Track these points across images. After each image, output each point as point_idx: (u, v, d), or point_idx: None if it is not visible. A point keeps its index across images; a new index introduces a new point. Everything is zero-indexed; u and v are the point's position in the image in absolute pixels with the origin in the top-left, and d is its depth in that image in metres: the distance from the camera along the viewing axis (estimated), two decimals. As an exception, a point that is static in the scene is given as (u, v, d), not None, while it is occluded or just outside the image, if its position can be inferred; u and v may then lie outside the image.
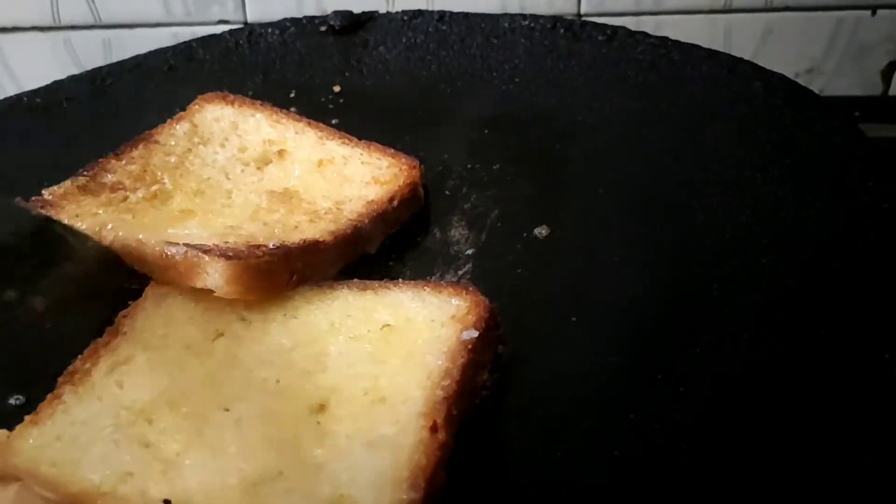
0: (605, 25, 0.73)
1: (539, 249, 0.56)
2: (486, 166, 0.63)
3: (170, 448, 0.42)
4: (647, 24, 0.92)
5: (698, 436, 0.44)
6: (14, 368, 0.50)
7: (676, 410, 0.45)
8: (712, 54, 0.69)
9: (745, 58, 0.70)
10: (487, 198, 0.60)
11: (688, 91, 0.67)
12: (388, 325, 0.49)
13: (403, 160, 0.60)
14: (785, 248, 0.53)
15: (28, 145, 0.68)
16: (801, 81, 0.92)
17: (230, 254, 0.49)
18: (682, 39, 0.72)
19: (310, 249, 0.52)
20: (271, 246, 0.51)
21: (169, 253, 0.50)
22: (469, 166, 0.63)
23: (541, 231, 0.57)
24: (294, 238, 0.53)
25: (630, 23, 0.90)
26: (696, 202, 0.58)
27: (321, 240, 0.53)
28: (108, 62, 0.80)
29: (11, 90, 0.95)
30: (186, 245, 0.50)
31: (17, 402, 0.48)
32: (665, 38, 0.71)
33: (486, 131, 0.66)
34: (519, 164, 0.63)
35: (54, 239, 0.53)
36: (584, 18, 0.93)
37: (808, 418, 0.44)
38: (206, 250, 0.49)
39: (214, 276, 0.49)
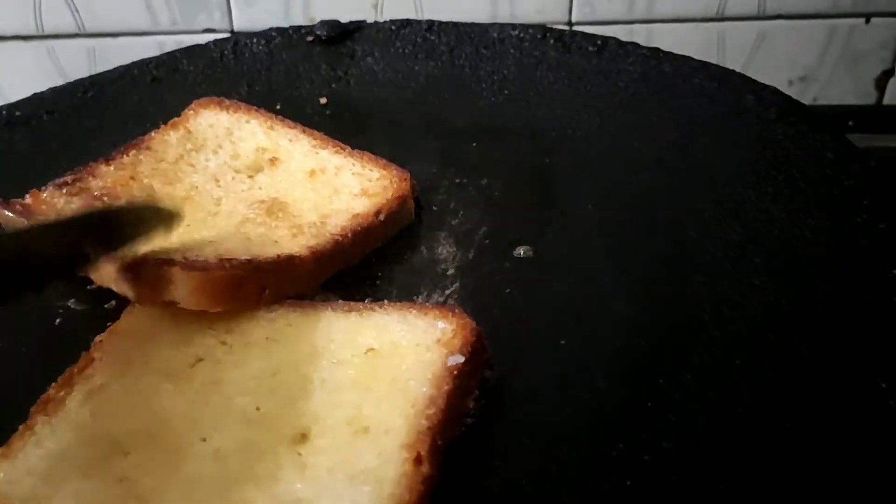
0: (595, 36, 0.73)
1: (527, 268, 0.55)
2: (475, 180, 0.62)
3: (145, 483, 0.41)
4: (640, 32, 0.92)
5: (690, 467, 0.43)
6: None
7: (667, 440, 0.44)
8: (704, 66, 0.69)
9: (738, 66, 0.70)
10: (475, 214, 0.59)
11: (679, 104, 0.66)
12: (372, 349, 0.48)
13: (395, 172, 0.59)
14: (778, 269, 0.52)
15: (7, 159, 0.67)
16: (794, 89, 0.93)
17: (197, 266, 0.48)
18: (675, 47, 0.71)
19: (283, 264, 0.51)
20: (242, 259, 0.50)
21: (137, 268, 0.49)
22: (457, 181, 0.62)
23: (529, 249, 0.56)
24: (270, 252, 0.51)
25: (622, 31, 0.90)
26: (687, 219, 0.57)
27: (297, 255, 0.52)
28: (92, 71, 0.79)
29: (-6, 99, 0.94)
30: (155, 259, 0.49)
31: (-10, 431, 0.46)
32: (656, 50, 0.70)
33: (474, 144, 0.65)
34: (507, 178, 0.62)
35: None
36: (574, 27, 0.92)
37: (804, 448, 0.43)
38: (173, 263, 0.48)
39: (180, 287, 0.48)
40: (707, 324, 0.49)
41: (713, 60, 0.70)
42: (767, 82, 0.67)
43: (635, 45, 0.71)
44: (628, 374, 0.47)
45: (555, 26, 0.76)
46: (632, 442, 0.44)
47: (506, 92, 0.70)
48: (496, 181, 0.62)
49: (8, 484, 0.41)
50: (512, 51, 0.74)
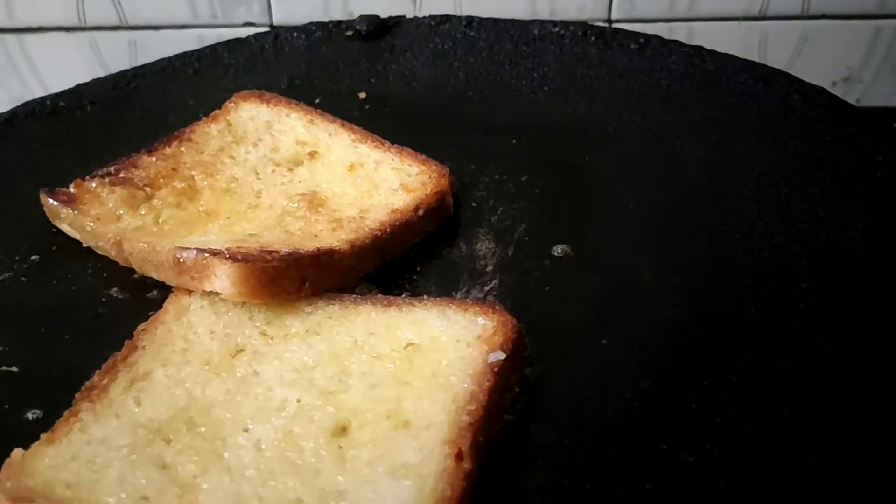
0: (637, 33, 0.72)
1: (567, 266, 0.55)
2: (514, 178, 0.62)
3: (187, 470, 0.41)
4: (680, 31, 0.91)
5: (735, 471, 0.42)
6: (33, 381, 0.49)
7: (712, 443, 0.43)
8: (748, 65, 0.68)
9: (781, 66, 0.68)
10: (515, 210, 0.59)
11: (722, 103, 0.65)
12: (412, 343, 0.48)
13: (434, 167, 0.59)
14: (825, 272, 0.51)
15: (51, 148, 0.68)
16: (837, 90, 0.91)
17: (239, 257, 0.49)
18: (716, 46, 0.70)
19: (323, 258, 0.51)
20: (283, 252, 0.50)
21: (180, 258, 0.50)
22: (497, 177, 0.62)
23: (569, 247, 0.56)
24: (310, 246, 0.52)
25: (662, 29, 0.89)
26: (731, 220, 0.56)
27: (336, 249, 0.52)
28: (133, 63, 0.80)
29: (36, 89, 0.96)
30: (198, 249, 0.50)
31: (35, 416, 0.47)
32: (699, 48, 0.69)
33: (514, 141, 0.65)
34: (547, 175, 0.62)
35: None
36: (614, 24, 0.91)
37: (851, 453, 0.42)
38: (216, 253, 0.49)
39: (222, 278, 0.48)
40: (752, 326, 0.49)
41: (755, 60, 0.69)
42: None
43: (678, 43, 0.70)
44: (671, 375, 0.47)
45: (594, 24, 0.76)
46: (675, 443, 0.43)
47: (546, 89, 0.70)
48: (536, 178, 0.61)
49: (53, 469, 0.41)
50: (552, 48, 0.73)
